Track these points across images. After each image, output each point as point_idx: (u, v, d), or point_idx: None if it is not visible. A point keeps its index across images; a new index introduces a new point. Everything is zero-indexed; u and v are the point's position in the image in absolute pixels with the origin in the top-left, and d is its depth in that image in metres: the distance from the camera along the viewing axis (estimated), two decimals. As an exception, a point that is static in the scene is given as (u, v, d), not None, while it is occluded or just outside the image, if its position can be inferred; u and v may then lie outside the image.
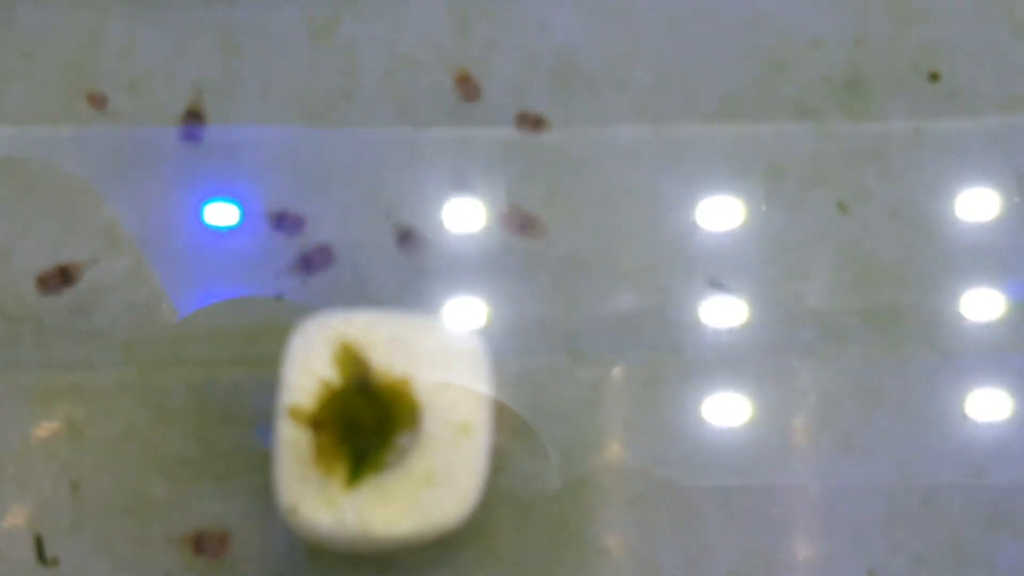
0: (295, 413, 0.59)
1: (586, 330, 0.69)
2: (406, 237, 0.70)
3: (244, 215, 0.70)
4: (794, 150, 0.71)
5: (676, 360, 0.69)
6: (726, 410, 0.68)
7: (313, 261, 0.69)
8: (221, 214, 0.71)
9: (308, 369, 0.61)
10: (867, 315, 0.69)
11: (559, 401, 0.68)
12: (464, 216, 0.70)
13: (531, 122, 0.71)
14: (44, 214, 0.71)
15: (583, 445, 0.67)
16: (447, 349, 0.62)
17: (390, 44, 0.73)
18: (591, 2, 0.73)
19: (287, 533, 0.66)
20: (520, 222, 0.69)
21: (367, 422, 0.59)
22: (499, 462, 0.63)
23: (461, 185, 0.71)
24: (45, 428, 0.67)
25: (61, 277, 0.69)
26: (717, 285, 0.69)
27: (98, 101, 0.72)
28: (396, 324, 0.62)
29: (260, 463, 0.66)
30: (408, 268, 0.70)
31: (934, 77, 0.72)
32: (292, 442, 0.60)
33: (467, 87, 0.72)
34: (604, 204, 0.70)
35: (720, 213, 0.70)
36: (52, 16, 0.73)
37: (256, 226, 0.70)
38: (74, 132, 0.72)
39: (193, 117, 0.71)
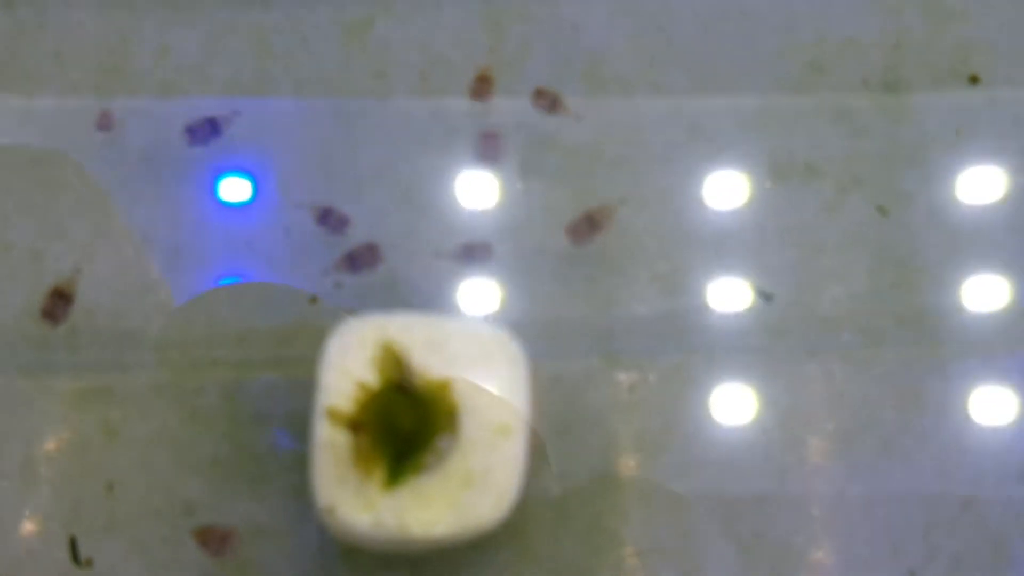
0: (334, 415, 0.59)
1: (622, 332, 0.68)
2: (441, 240, 0.70)
3: (279, 215, 0.70)
4: (832, 152, 0.71)
5: (712, 363, 0.68)
6: (763, 413, 0.67)
7: (359, 259, 0.69)
8: (254, 215, 0.70)
9: (345, 371, 0.60)
10: (906, 318, 0.68)
11: (595, 403, 0.68)
12: (499, 218, 0.70)
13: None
14: (76, 216, 0.70)
15: (619, 447, 0.67)
16: (485, 351, 0.62)
17: (423, 45, 0.73)
18: (625, 3, 0.73)
19: (320, 534, 0.65)
20: (584, 224, 0.69)
21: (406, 424, 0.59)
22: (536, 464, 0.63)
23: (496, 186, 0.70)
24: (79, 430, 0.67)
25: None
26: (754, 288, 0.69)
27: (129, 102, 0.72)
28: (434, 326, 0.62)
29: (293, 464, 0.66)
30: (442, 270, 0.69)
31: (973, 80, 0.71)
32: (329, 443, 0.60)
33: (495, 86, 0.71)
34: (639, 206, 0.70)
35: (757, 216, 0.70)
36: (83, 17, 0.73)
37: (294, 226, 0.70)
38: (105, 135, 0.71)
39: (215, 120, 0.71)
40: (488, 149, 0.70)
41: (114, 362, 0.68)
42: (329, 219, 0.70)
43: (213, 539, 0.66)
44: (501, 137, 0.71)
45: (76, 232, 0.70)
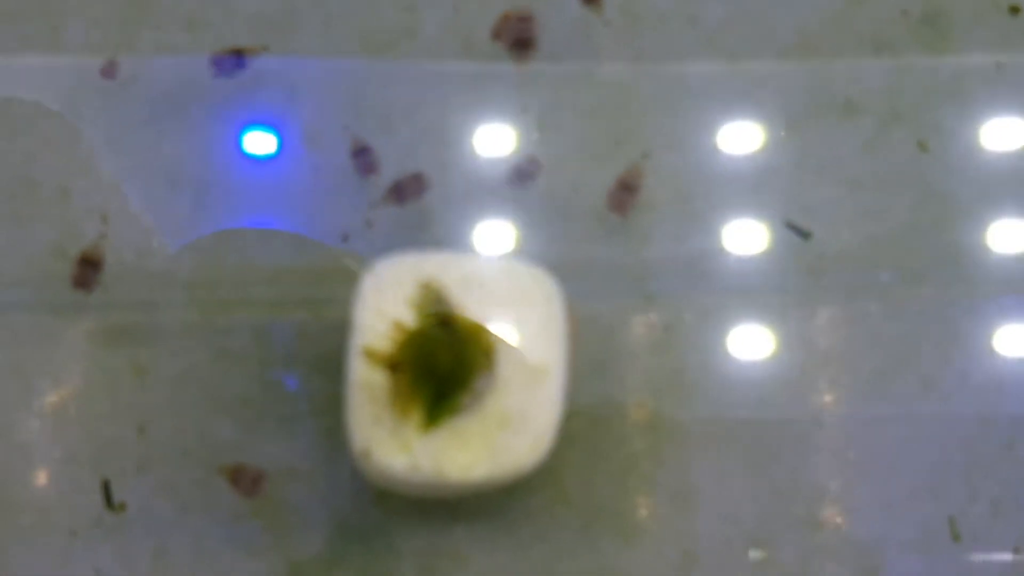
0: (371, 354, 0.58)
1: (657, 272, 0.68)
2: (475, 176, 0.69)
3: (309, 154, 0.69)
4: (871, 86, 0.69)
5: (748, 303, 0.67)
6: (800, 353, 0.66)
7: (405, 190, 0.68)
8: (284, 154, 0.69)
9: (380, 310, 0.60)
10: (946, 256, 0.67)
11: (630, 343, 0.67)
12: (531, 156, 0.69)
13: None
14: (104, 153, 0.69)
15: (654, 388, 0.66)
16: (522, 290, 0.61)
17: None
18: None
19: (352, 476, 0.65)
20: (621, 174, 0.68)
21: (444, 364, 0.58)
22: (570, 406, 0.62)
23: (527, 124, 0.69)
24: (108, 369, 0.67)
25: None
26: (791, 226, 0.68)
27: (155, 36, 0.71)
28: (470, 265, 0.61)
29: (324, 406, 0.66)
30: (475, 209, 0.68)
31: (1014, 10, 0.70)
32: (365, 384, 0.59)
33: (528, 25, 0.70)
34: (674, 143, 0.69)
35: (795, 153, 0.69)
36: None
37: (324, 164, 0.69)
38: (133, 68, 0.70)
39: (242, 52, 0.70)
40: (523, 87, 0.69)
41: (144, 301, 0.68)
42: (363, 156, 0.69)
43: (244, 480, 0.65)
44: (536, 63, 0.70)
45: (104, 170, 0.69)
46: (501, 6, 0.70)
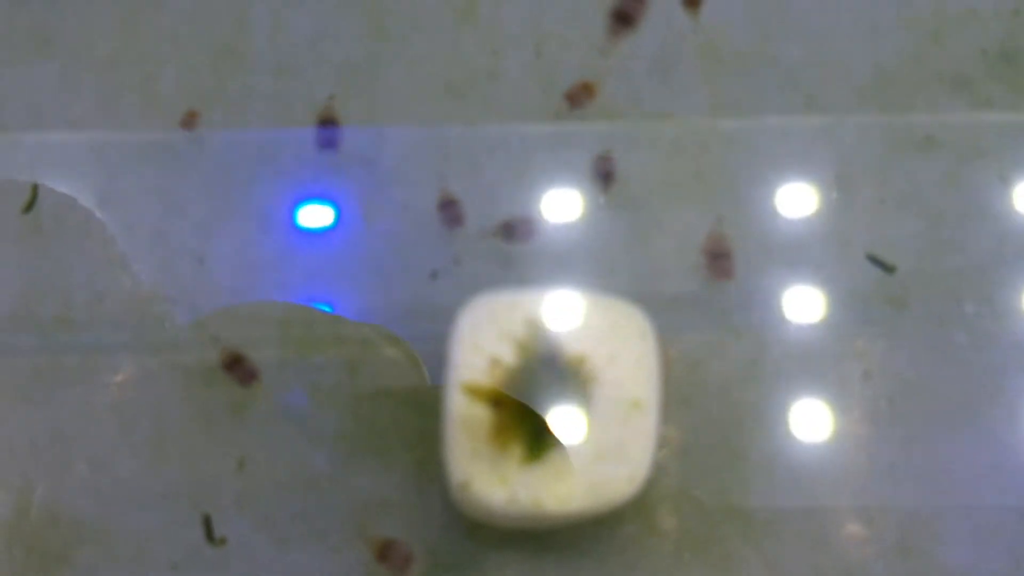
0: (473, 390, 0.60)
1: (742, 305, 0.69)
2: (555, 219, 0.70)
3: (398, 194, 0.71)
4: (951, 122, 0.70)
5: (834, 335, 0.68)
6: (887, 384, 0.67)
7: (516, 230, 0.70)
8: (371, 196, 0.71)
9: (477, 346, 0.61)
10: (1030, 288, 0.68)
11: (717, 377, 0.68)
12: (615, 195, 0.70)
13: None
14: (197, 197, 0.71)
15: (741, 420, 0.67)
16: (615, 325, 0.62)
17: (535, 23, 0.73)
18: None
19: (445, 508, 0.66)
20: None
21: (544, 398, 0.60)
22: (661, 438, 0.63)
23: (609, 166, 0.71)
24: (207, 407, 0.68)
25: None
26: (875, 259, 0.69)
27: (247, 80, 0.73)
28: (564, 301, 0.62)
29: (415, 440, 0.67)
30: (558, 249, 0.70)
31: (1091, 46, 0.71)
32: (463, 418, 0.60)
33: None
34: (753, 180, 0.70)
35: (876, 187, 0.70)
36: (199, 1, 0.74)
37: (411, 204, 0.71)
38: (221, 115, 0.72)
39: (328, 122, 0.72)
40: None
41: (239, 339, 0.69)
42: (450, 207, 0.70)
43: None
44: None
45: (198, 212, 0.71)
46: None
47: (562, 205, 0.70)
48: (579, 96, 0.71)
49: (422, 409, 0.66)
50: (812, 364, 0.68)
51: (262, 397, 0.68)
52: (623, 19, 0.73)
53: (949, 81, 0.71)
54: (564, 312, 0.62)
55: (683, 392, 0.67)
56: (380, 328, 0.68)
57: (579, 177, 0.71)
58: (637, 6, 0.72)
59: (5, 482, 0.67)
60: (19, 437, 0.68)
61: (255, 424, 0.68)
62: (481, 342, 0.61)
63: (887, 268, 0.69)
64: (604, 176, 0.70)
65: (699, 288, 0.69)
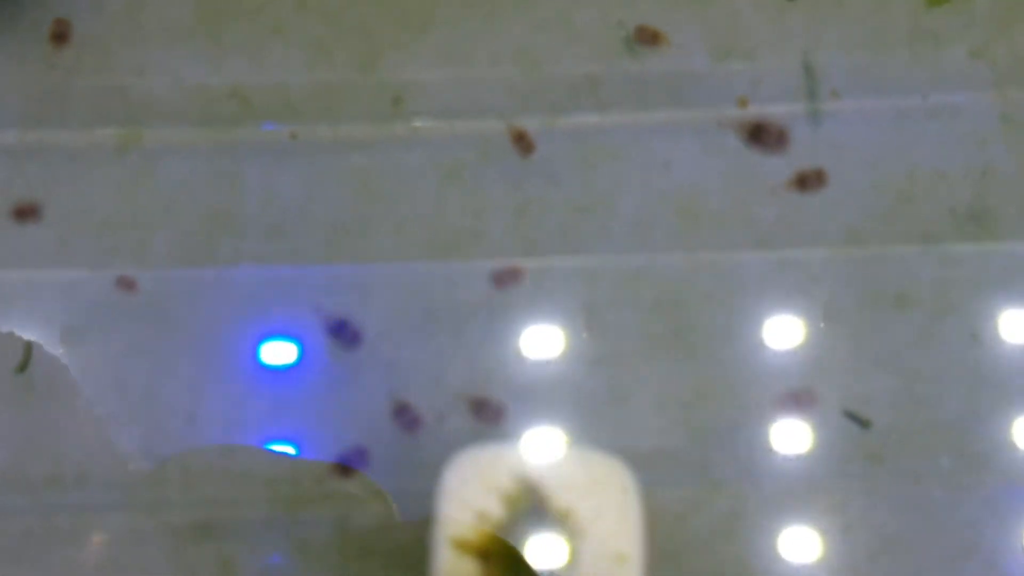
0: (461, 544, 0.60)
1: (720, 460, 0.70)
2: (535, 372, 0.71)
3: (382, 365, 0.72)
4: (922, 278, 0.72)
5: (812, 489, 0.69)
6: (867, 539, 0.68)
7: (486, 409, 0.71)
8: (357, 362, 0.72)
9: (465, 502, 0.62)
10: (1006, 442, 0.70)
11: (698, 531, 0.69)
12: (593, 349, 0.72)
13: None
14: (187, 354, 0.72)
15: (724, 574, 0.68)
16: (598, 480, 0.63)
17: (517, 184, 0.75)
18: (714, 142, 0.75)
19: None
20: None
21: (530, 552, 0.60)
22: (646, 592, 0.64)
23: (585, 317, 0.72)
24: (195, 564, 0.69)
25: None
26: (851, 415, 0.70)
27: (236, 245, 0.74)
28: (549, 456, 0.63)
29: (402, 597, 0.67)
30: (539, 403, 0.71)
31: (1056, 207, 0.73)
32: (452, 574, 0.61)
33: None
34: (729, 335, 0.72)
35: (849, 345, 0.71)
36: (193, 165, 0.76)
37: (394, 381, 0.72)
38: (213, 275, 0.74)
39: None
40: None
41: (225, 497, 0.70)
42: (482, 410, 0.71)
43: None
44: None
45: (187, 370, 0.72)
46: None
47: (543, 358, 0.72)
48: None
49: (410, 565, 0.66)
50: (790, 518, 0.69)
51: (249, 554, 0.69)
52: None
53: (918, 239, 0.73)
54: (548, 466, 0.63)
55: (666, 546, 0.68)
56: (368, 481, 0.68)
57: (558, 329, 0.72)
58: None
59: (-8, 641, 0.67)
60: (7, 596, 0.68)
61: (243, 582, 0.68)
62: (468, 497, 0.62)
63: (863, 423, 0.70)
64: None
65: (677, 443, 0.70)
